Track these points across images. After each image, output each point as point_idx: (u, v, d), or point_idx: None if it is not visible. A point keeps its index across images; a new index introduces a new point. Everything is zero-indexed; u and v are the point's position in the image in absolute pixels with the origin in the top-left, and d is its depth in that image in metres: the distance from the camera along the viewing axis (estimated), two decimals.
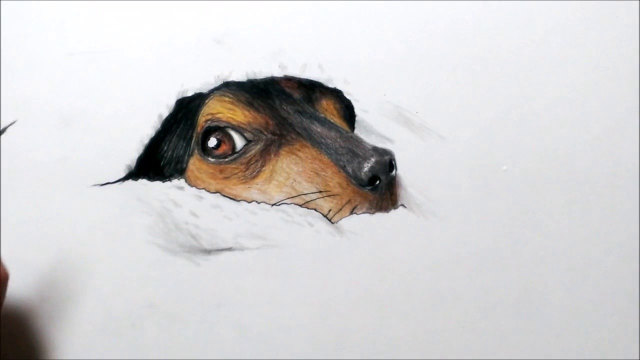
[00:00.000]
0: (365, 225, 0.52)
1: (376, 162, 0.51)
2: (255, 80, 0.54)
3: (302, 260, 0.52)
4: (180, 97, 0.53)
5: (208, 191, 0.52)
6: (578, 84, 0.55)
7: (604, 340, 0.53)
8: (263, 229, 0.52)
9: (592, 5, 0.56)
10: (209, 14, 0.54)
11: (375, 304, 0.52)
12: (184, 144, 0.53)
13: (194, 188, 0.52)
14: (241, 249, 0.51)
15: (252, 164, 0.53)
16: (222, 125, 0.53)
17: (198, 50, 0.53)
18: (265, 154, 0.53)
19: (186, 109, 0.53)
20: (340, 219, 0.52)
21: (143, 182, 0.52)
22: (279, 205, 0.52)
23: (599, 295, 0.53)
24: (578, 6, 0.56)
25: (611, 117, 0.55)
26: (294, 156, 0.53)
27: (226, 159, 0.53)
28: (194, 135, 0.53)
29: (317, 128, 0.53)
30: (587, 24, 0.56)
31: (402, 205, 0.53)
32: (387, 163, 0.51)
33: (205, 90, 0.53)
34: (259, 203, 0.52)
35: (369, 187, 0.51)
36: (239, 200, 0.52)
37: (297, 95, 0.54)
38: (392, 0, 0.56)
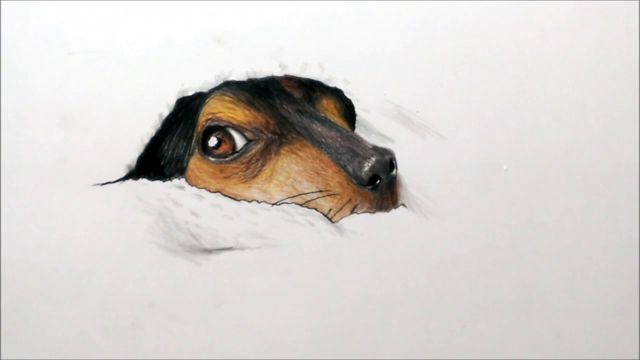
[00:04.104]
0: (365, 224, 0.52)
1: (377, 162, 0.51)
2: (256, 79, 0.53)
3: (303, 259, 0.52)
4: (180, 96, 0.52)
5: (208, 190, 0.52)
6: (579, 83, 0.55)
7: (604, 340, 0.53)
8: (263, 228, 0.51)
9: (593, 4, 0.56)
10: (209, 13, 0.53)
11: (376, 304, 0.52)
12: (185, 144, 0.53)
13: (194, 187, 0.52)
14: (241, 248, 0.51)
15: (252, 164, 0.53)
16: (222, 124, 0.53)
17: (198, 49, 0.53)
18: (266, 154, 0.53)
19: (186, 109, 0.53)
20: (341, 219, 0.52)
21: (143, 182, 0.52)
22: (279, 204, 0.52)
23: (599, 295, 0.54)
24: (578, 5, 0.56)
25: (612, 116, 0.55)
26: (294, 155, 0.53)
27: (226, 159, 0.53)
28: (195, 134, 0.53)
29: (318, 127, 0.53)
30: (587, 23, 0.56)
31: (403, 204, 0.53)
32: (387, 162, 0.51)
33: (205, 89, 0.53)
34: (259, 202, 0.52)
35: (370, 187, 0.51)
36: (239, 200, 0.52)
37: (297, 94, 0.54)
38: None
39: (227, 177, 0.53)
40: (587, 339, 0.53)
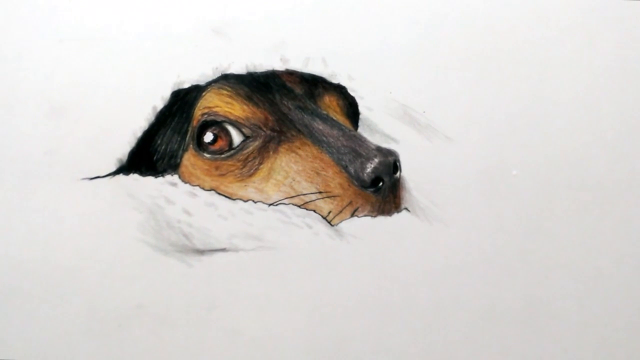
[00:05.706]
0: (366, 228, 0.51)
1: (380, 163, 0.50)
2: (255, 73, 0.53)
3: (299, 263, 0.51)
4: (176, 88, 0.52)
5: (202, 188, 0.52)
6: (592, 86, 0.55)
7: (612, 354, 0.53)
8: (259, 229, 0.51)
9: (607, 5, 0.56)
10: (207, 2, 0.53)
11: (375, 311, 0.52)
12: (179, 138, 0.52)
13: (187, 185, 0.52)
14: (235, 250, 0.51)
15: (249, 161, 0.52)
16: (219, 119, 0.52)
17: (196, 40, 0.53)
18: (264, 151, 0.52)
19: (182, 102, 0.52)
20: (341, 222, 0.51)
21: (134, 177, 0.52)
22: (276, 205, 0.51)
23: (608, 307, 0.53)
24: (592, 6, 0.56)
25: (625, 121, 0.55)
26: (293, 154, 0.52)
27: (222, 155, 0.52)
28: (190, 129, 0.52)
29: (319, 125, 0.52)
30: (601, 23, 0.55)
31: (406, 208, 0.52)
32: (391, 164, 0.51)
33: (202, 82, 0.53)
34: (255, 202, 0.52)
35: (372, 189, 0.51)
36: (234, 199, 0.52)
37: (298, 90, 0.54)
38: None
39: (222, 175, 0.52)
40: (595, 352, 0.53)
